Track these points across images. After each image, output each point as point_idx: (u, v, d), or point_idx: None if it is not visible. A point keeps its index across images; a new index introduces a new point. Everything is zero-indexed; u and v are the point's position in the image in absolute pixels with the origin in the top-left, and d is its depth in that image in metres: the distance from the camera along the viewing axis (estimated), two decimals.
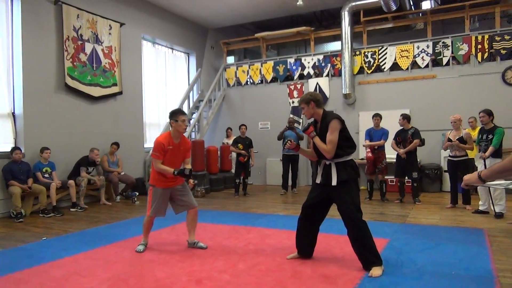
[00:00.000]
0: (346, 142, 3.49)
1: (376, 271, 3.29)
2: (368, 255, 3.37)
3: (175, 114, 4.12)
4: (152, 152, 4.12)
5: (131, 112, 9.01)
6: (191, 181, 4.19)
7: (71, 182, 6.91)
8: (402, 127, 6.96)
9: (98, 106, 8.20)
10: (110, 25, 8.39)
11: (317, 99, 3.60)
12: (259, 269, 3.52)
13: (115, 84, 8.51)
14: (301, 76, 10.32)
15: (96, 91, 8.06)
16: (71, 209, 6.84)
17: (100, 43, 8.16)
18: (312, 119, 3.69)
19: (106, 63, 8.29)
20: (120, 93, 8.63)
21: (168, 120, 4.28)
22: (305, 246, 3.78)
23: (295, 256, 3.82)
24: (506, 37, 8.20)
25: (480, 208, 5.91)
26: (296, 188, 8.90)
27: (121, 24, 8.63)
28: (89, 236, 4.97)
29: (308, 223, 3.69)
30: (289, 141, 3.64)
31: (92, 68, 7.98)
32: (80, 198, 7.00)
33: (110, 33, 8.39)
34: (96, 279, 3.34)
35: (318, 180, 3.61)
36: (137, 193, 7.83)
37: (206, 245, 4.26)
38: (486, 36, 8.39)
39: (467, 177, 1.90)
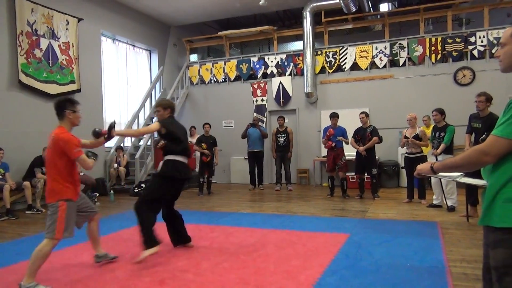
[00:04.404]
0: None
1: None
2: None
3: (73, 104, 3.31)
4: (74, 151, 3.21)
5: (90, 111, 8.67)
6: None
7: (26, 183, 6.62)
8: (361, 125, 7.19)
9: None
10: (67, 20, 8.09)
11: None
12: (223, 267, 3.54)
13: (73, 82, 8.22)
14: (265, 75, 10.41)
15: (52, 89, 7.75)
16: (27, 212, 6.56)
17: (56, 39, 7.85)
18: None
19: (63, 59, 7.99)
20: (79, 90, 8.34)
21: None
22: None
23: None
24: (457, 39, 8.65)
25: (434, 202, 6.22)
26: (262, 185, 9.12)
27: (79, 20, 8.34)
28: None
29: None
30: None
31: (48, 64, 7.66)
32: (36, 200, 6.72)
33: (67, 29, 8.09)
34: (54, 283, 3.23)
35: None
36: (97, 194, 7.62)
37: (116, 256, 3.75)
38: (439, 38, 8.81)
39: (420, 167, 2.05)
